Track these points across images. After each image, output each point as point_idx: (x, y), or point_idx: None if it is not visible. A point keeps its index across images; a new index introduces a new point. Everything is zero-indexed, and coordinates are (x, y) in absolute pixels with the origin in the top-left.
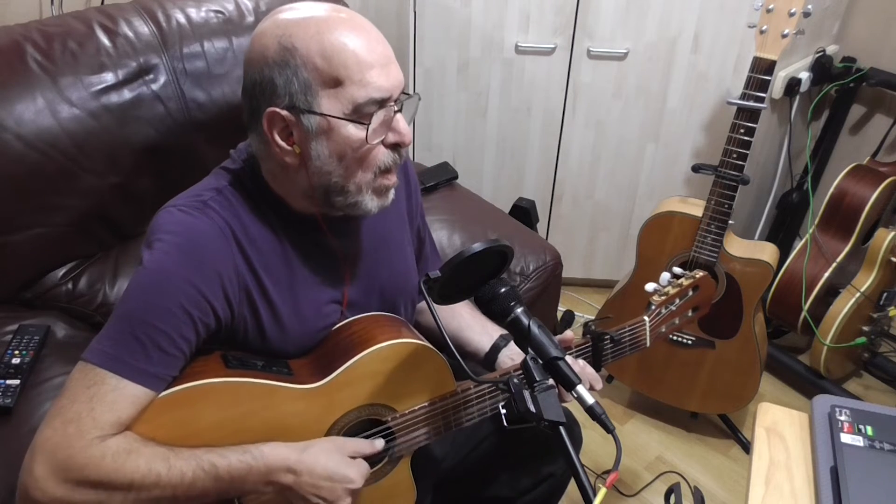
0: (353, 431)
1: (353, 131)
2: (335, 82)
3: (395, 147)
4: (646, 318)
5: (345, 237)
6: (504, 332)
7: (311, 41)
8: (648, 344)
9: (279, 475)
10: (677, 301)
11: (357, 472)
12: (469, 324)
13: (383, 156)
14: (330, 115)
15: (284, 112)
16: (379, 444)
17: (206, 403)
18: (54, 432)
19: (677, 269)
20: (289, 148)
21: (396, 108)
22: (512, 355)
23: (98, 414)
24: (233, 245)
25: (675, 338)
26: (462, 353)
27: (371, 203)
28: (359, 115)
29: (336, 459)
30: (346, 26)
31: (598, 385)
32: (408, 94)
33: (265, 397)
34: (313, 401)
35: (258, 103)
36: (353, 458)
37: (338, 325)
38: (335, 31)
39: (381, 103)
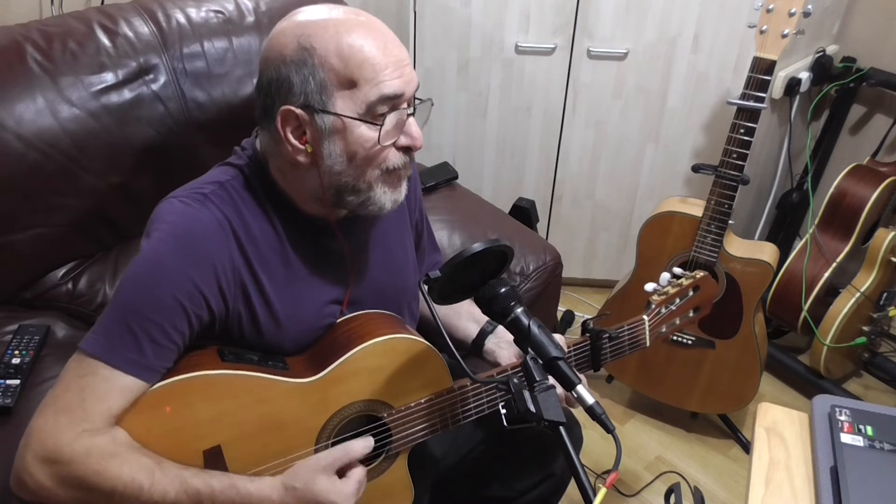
0: (348, 427)
1: (366, 132)
2: (350, 83)
3: (406, 150)
4: (645, 317)
5: (350, 239)
6: None
7: (330, 42)
8: (648, 343)
9: None
10: (677, 301)
11: (347, 495)
12: (456, 311)
13: (394, 157)
14: (344, 115)
15: (299, 110)
16: (365, 441)
17: (200, 396)
18: (45, 421)
19: (677, 270)
20: (301, 147)
21: (410, 112)
22: (499, 342)
23: (89, 405)
24: (230, 239)
25: (675, 338)
26: (451, 341)
27: (384, 197)
28: (372, 115)
29: (324, 487)
30: (364, 29)
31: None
32: (420, 100)
33: (260, 391)
34: (308, 395)
35: (272, 101)
36: (344, 469)
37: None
38: (353, 34)
39: (394, 103)
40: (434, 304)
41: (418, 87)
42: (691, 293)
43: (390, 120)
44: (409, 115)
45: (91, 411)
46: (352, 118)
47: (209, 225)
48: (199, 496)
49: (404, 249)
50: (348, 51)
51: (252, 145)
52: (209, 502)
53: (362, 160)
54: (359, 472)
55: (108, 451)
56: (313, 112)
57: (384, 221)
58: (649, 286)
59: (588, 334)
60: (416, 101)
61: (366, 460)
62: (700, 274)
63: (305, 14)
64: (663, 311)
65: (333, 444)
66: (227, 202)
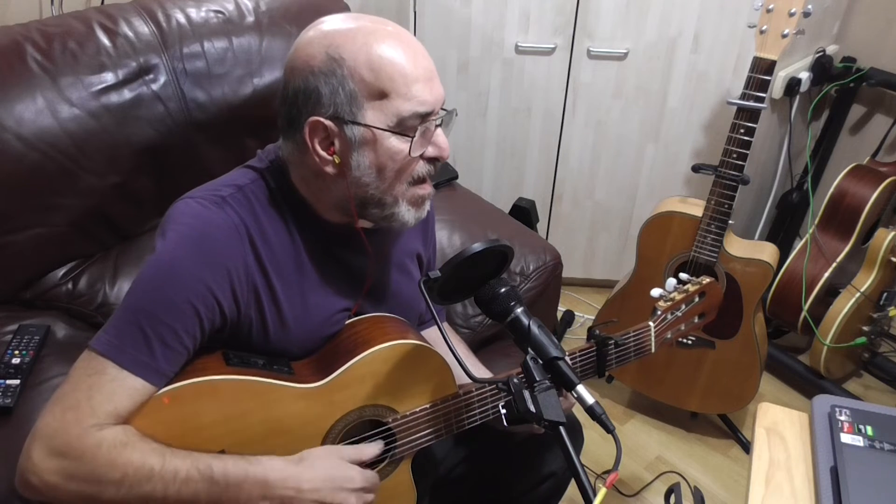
0: (353, 432)
1: (396, 143)
2: (381, 94)
3: (433, 160)
4: (651, 323)
5: (372, 251)
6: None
7: (359, 53)
8: (653, 350)
9: (277, 489)
10: (683, 307)
11: (357, 472)
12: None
13: (420, 167)
14: (375, 127)
15: (328, 122)
16: (376, 446)
17: (205, 401)
18: (53, 419)
19: (683, 276)
20: (329, 157)
21: (438, 123)
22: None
23: (96, 403)
24: (245, 243)
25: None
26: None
27: (408, 214)
28: (402, 127)
29: (334, 463)
30: (393, 39)
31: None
32: (446, 110)
33: (265, 396)
34: (314, 400)
35: (299, 111)
36: (353, 462)
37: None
38: (383, 44)
39: (424, 117)
40: (434, 305)
41: (444, 100)
42: (697, 299)
43: (419, 131)
44: (436, 126)
45: (98, 409)
46: (382, 130)
47: (225, 229)
48: (210, 471)
49: (414, 278)
50: (378, 62)
51: (275, 150)
52: (221, 475)
53: (392, 172)
54: (373, 475)
55: (119, 440)
56: (343, 123)
57: (402, 239)
58: (655, 292)
59: (594, 341)
60: (443, 112)
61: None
62: (706, 280)
63: (332, 24)
64: (669, 317)
65: None
66: (245, 206)
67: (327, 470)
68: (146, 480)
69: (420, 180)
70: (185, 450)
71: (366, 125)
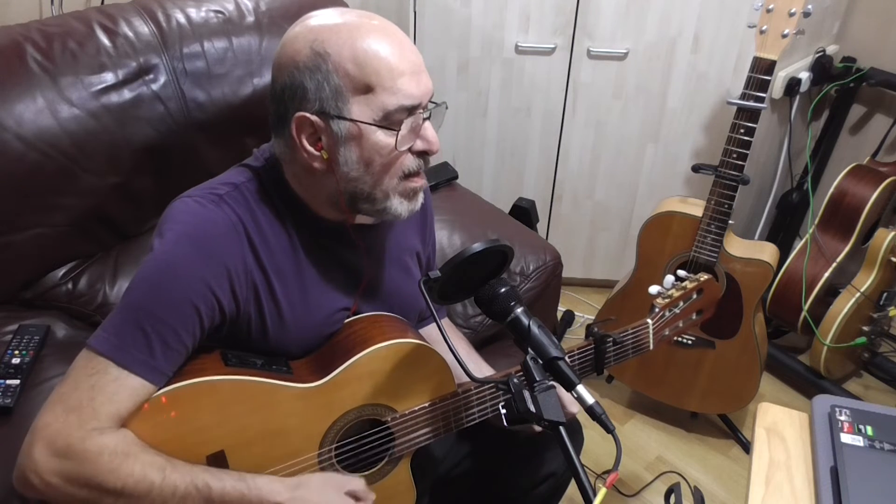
0: (352, 431)
1: (383, 138)
2: (366, 89)
3: (422, 154)
4: (649, 320)
5: (366, 247)
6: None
7: (344, 47)
8: (651, 347)
9: None
10: (681, 304)
11: (351, 501)
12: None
13: (410, 162)
14: (360, 121)
15: (314, 117)
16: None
17: (204, 401)
18: (55, 419)
19: (681, 272)
20: (316, 153)
21: (425, 116)
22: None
23: (98, 405)
24: (244, 241)
25: (675, 338)
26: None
27: (401, 207)
28: (388, 121)
29: (329, 496)
30: (378, 33)
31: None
32: (435, 103)
33: (263, 396)
34: (312, 400)
35: (286, 107)
36: (348, 493)
37: None
38: (368, 38)
39: (411, 110)
40: (434, 305)
41: (433, 94)
42: (695, 296)
43: (406, 125)
44: (424, 120)
45: (100, 411)
46: (368, 124)
47: (223, 227)
48: (208, 489)
49: (413, 274)
50: (363, 56)
51: (270, 149)
52: (219, 495)
53: (379, 166)
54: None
55: (120, 449)
56: (329, 118)
57: (402, 241)
58: (654, 289)
59: (592, 338)
60: (431, 105)
61: (369, 464)
62: (704, 276)
63: (317, 19)
64: (667, 314)
65: (336, 449)
66: (242, 204)
67: (322, 497)
68: (145, 494)
69: (411, 174)
70: (185, 462)
71: (351, 119)
